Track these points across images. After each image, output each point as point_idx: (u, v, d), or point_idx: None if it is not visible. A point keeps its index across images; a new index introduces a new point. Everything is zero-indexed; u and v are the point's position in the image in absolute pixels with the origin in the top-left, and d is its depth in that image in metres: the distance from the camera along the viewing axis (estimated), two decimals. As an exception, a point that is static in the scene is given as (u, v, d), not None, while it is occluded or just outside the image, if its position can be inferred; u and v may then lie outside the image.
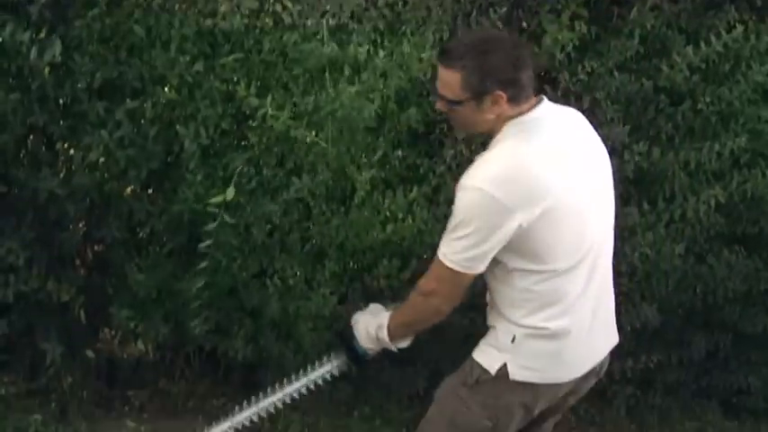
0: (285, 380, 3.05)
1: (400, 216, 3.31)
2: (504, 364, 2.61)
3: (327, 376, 3.05)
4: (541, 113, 2.53)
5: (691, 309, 4.15)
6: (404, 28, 3.29)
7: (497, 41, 2.50)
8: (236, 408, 3.02)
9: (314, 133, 3.14)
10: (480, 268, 2.52)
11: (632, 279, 3.82)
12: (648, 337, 4.10)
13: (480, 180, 2.44)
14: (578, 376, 2.69)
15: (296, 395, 3.05)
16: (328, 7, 3.11)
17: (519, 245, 2.48)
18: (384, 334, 2.75)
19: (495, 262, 2.54)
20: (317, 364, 3.03)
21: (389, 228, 3.30)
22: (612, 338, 2.82)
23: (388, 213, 3.32)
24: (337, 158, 3.22)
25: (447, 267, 2.53)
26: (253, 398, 3.04)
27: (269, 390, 3.05)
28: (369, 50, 3.19)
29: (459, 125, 2.66)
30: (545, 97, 2.57)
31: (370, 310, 2.89)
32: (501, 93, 2.45)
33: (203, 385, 4.03)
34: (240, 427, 3.04)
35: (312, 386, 3.05)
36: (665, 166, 3.73)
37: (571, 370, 2.67)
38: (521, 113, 2.50)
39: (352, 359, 2.93)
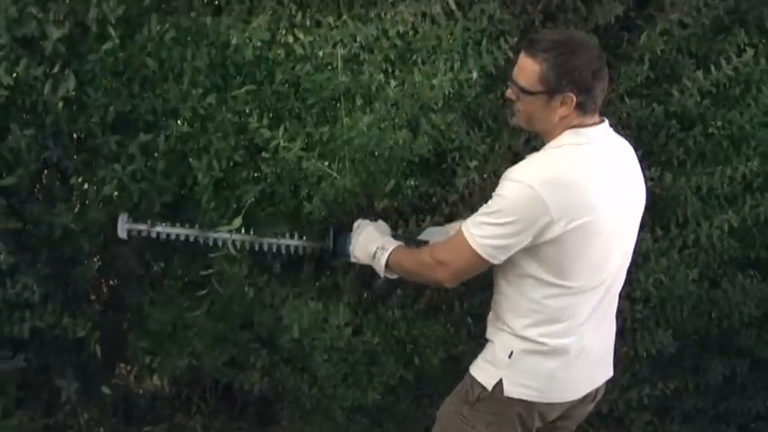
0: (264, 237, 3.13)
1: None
2: (500, 381, 2.62)
3: (300, 250, 3.13)
4: (600, 133, 2.58)
5: (706, 334, 4.14)
6: (415, 57, 3.30)
7: (584, 46, 2.53)
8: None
9: (326, 164, 3.15)
10: (499, 259, 2.54)
11: (647, 305, 3.81)
12: (665, 364, 4.09)
13: (533, 178, 2.46)
14: (571, 400, 2.70)
15: (266, 247, 3.13)
16: (339, 38, 3.12)
17: (544, 252, 2.50)
18: (383, 259, 2.78)
19: (512, 264, 2.56)
20: (292, 235, 3.14)
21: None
22: (608, 370, 2.84)
23: (401, 242, 3.31)
24: (349, 189, 3.22)
25: (470, 247, 2.54)
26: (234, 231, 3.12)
27: (244, 232, 3.13)
28: (380, 80, 3.20)
29: (522, 116, 2.65)
30: (607, 120, 2.61)
31: (378, 226, 2.95)
32: (573, 96, 2.48)
33: (219, 420, 4.03)
34: (206, 242, 3.13)
35: (284, 250, 3.12)
36: (678, 191, 3.73)
37: (564, 392, 2.68)
38: (582, 125, 2.53)
39: (331, 251, 3.01)
